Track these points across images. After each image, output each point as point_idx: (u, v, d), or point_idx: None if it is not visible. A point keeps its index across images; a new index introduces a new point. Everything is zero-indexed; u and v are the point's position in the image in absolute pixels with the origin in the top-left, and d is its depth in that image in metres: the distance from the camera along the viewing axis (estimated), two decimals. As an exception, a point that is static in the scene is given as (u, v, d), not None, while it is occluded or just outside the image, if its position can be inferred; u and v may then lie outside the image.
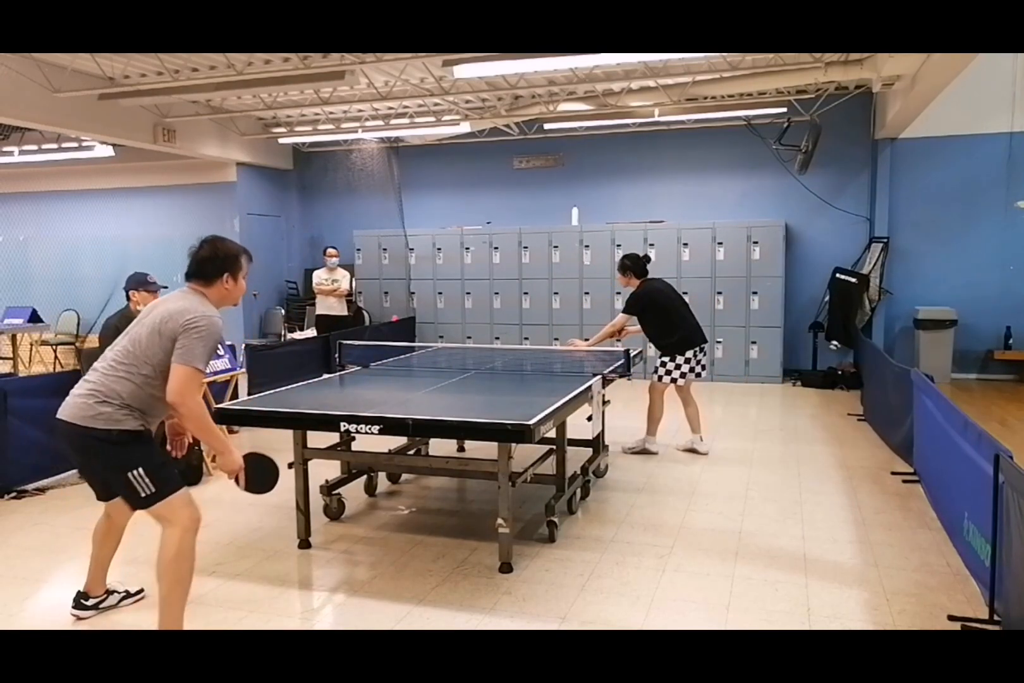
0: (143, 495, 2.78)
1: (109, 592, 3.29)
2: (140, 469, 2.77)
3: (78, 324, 10.27)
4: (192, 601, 3.29)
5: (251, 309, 10.82)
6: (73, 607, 3.22)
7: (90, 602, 3.23)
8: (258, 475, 2.98)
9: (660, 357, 5.78)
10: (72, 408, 2.80)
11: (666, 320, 5.72)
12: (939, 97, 7.39)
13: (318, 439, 4.02)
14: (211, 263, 2.92)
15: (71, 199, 11.23)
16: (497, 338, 10.00)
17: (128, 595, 3.34)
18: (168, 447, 3.21)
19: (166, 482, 2.82)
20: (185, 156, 9.82)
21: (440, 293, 10.43)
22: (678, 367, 5.69)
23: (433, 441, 5.24)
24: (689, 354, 5.69)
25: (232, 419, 4.48)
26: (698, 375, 5.84)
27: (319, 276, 9.30)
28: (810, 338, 9.22)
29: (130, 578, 3.45)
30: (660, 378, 5.74)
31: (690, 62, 7.42)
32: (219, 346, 2.81)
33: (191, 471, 5.02)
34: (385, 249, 10.66)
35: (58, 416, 2.83)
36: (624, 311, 5.76)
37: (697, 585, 3.45)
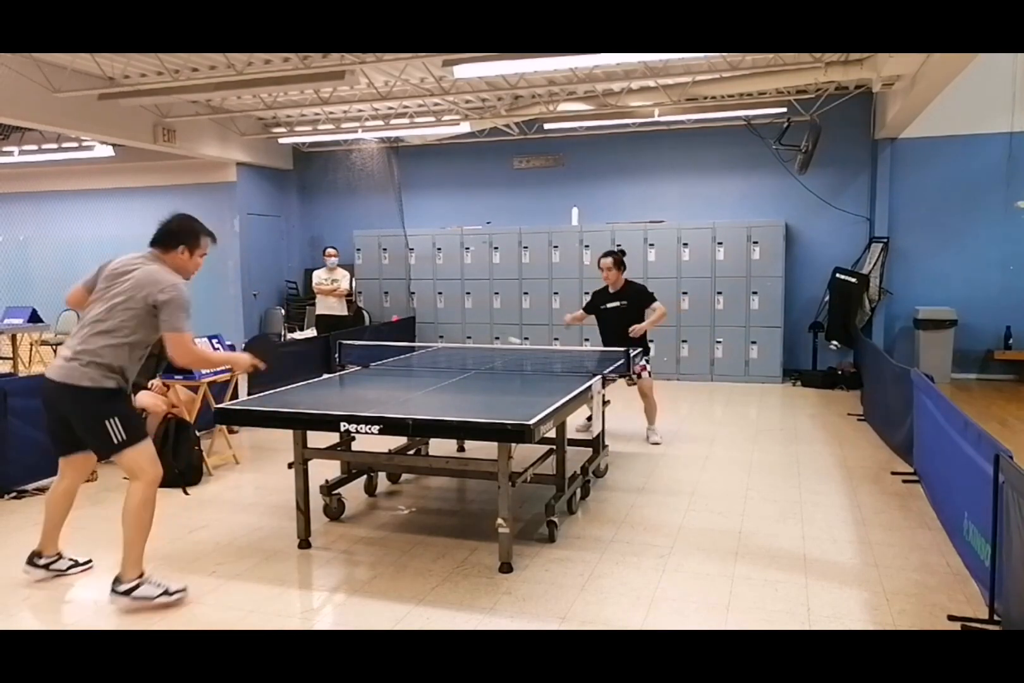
0: (115, 442, 3.17)
1: (60, 556, 3.58)
2: (116, 418, 3.18)
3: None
4: (192, 601, 3.31)
5: (251, 309, 10.82)
6: (27, 563, 3.52)
7: (42, 561, 3.53)
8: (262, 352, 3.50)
9: (643, 354, 6.01)
10: (60, 369, 3.18)
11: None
12: (939, 97, 7.39)
13: (318, 439, 4.01)
14: (173, 235, 3.38)
15: (71, 199, 11.22)
16: (497, 338, 10.00)
17: (77, 564, 3.63)
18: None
19: (136, 431, 3.26)
20: (185, 156, 9.82)
21: (440, 293, 10.43)
22: (648, 362, 6.09)
23: (433, 441, 5.23)
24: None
25: (232, 419, 4.49)
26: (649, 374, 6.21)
27: (319, 276, 9.30)
28: (810, 338, 9.21)
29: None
30: (650, 374, 6.10)
31: (690, 62, 7.42)
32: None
33: (191, 471, 5.02)
34: (385, 249, 10.66)
35: (47, 376, 3.22)
36: (656, 302, 6.11)
37: (697, 585, 3.45)
